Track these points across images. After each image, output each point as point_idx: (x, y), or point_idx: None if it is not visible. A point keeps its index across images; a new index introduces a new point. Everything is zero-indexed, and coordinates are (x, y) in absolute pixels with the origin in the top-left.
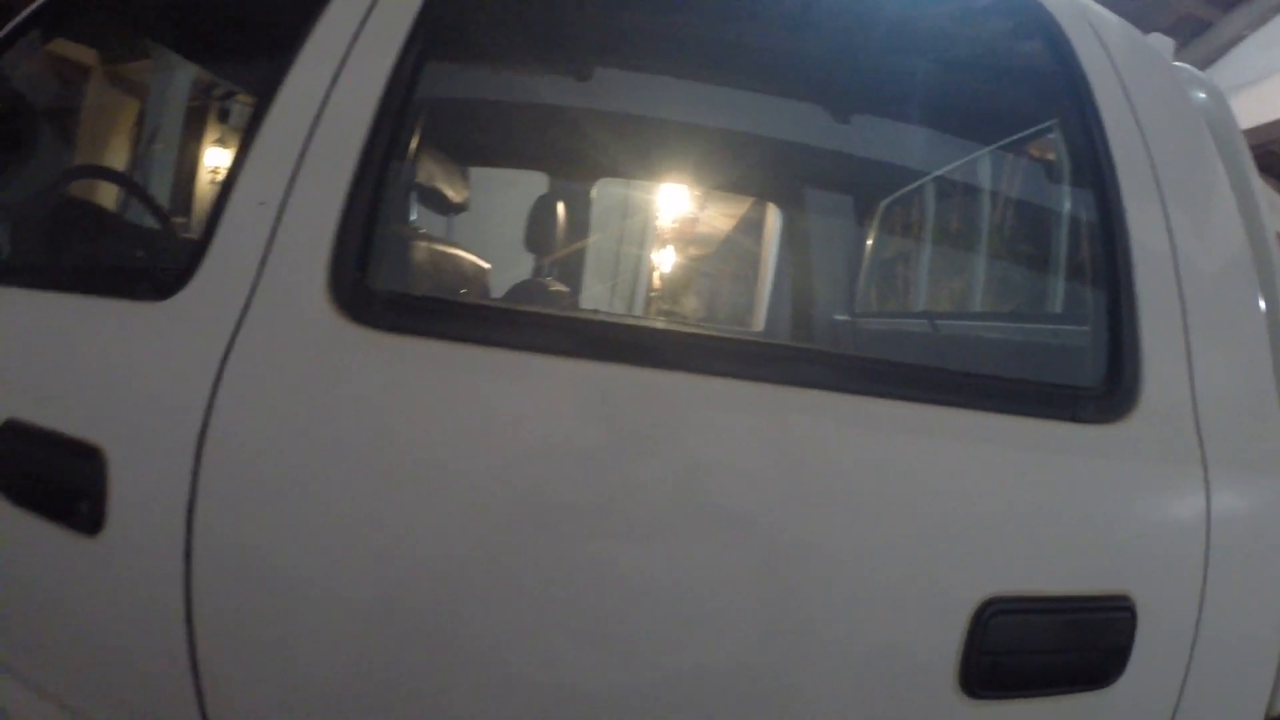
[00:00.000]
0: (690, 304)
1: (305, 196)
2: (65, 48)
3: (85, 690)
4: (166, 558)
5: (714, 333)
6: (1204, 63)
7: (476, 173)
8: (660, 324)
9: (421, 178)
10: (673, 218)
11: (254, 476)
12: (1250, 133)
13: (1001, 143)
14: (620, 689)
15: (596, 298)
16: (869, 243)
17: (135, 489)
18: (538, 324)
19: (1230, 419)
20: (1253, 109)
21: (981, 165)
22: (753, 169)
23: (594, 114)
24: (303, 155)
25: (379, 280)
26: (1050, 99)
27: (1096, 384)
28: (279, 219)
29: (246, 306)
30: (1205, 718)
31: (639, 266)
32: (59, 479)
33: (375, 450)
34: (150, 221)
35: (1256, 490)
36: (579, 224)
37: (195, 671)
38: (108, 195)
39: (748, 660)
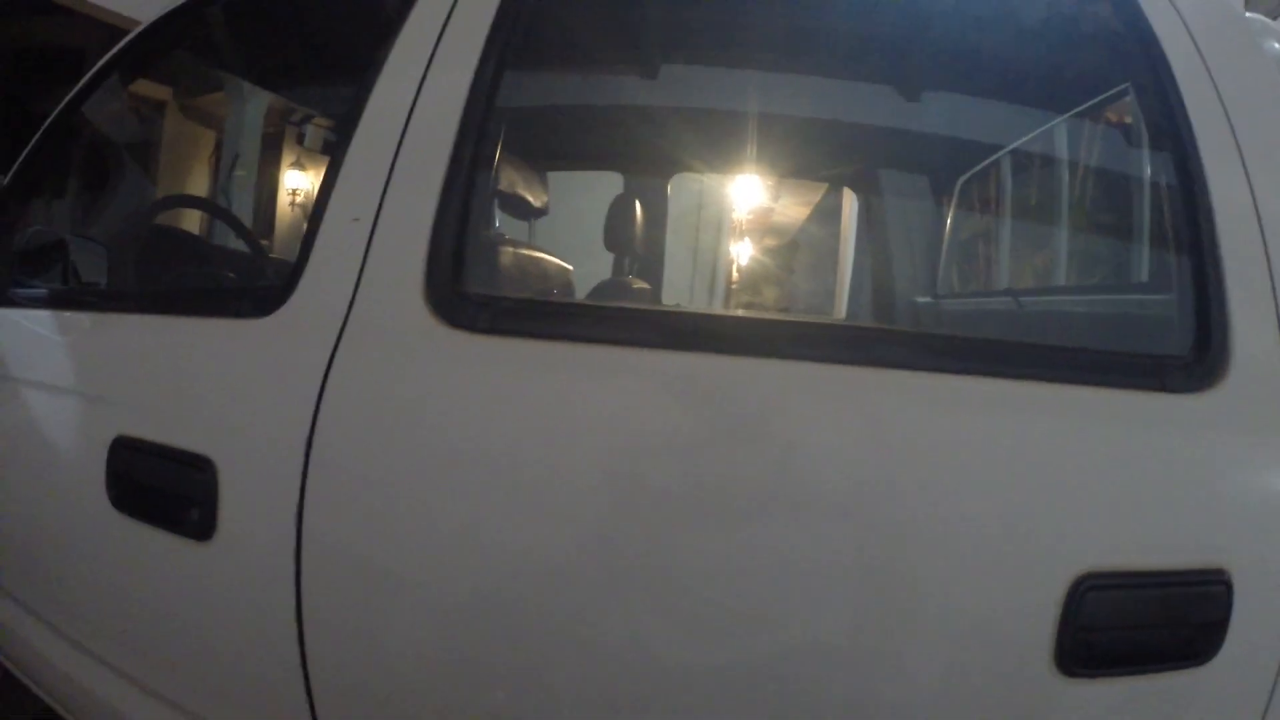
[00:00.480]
0: (770, 293)
1: (397, 209)
2: (143, 87)
3: (198, 691)
4: (277, 560)
5: (797, 318)
6: (1278, 10)
7: (554, 176)
8: (745, 313)
9: (504, 184)
10: (749, 209)
11: (360, 480)
12: None
13: (1075, 111)
14: (721, 671)
15: (678, 292)
16: (948, 222)
17: (245, 496)
18: (626, 318)
19: None
20: None
21: (1056, 135)
22: (825, 154)
23: (664, 110)
24: (392, 170)
25: (471, 285)
26: (1122, 62)
27: (1185, 352)
28: (373, 232)
29: (347, 317)
30: None
31: (717, 259)
32: (171, 489)
33: (477, 448)
34: (240, 244)
35: None
36: (656, 221)
37: (305, 670)
38: (199, 222)
39: (845, 640)
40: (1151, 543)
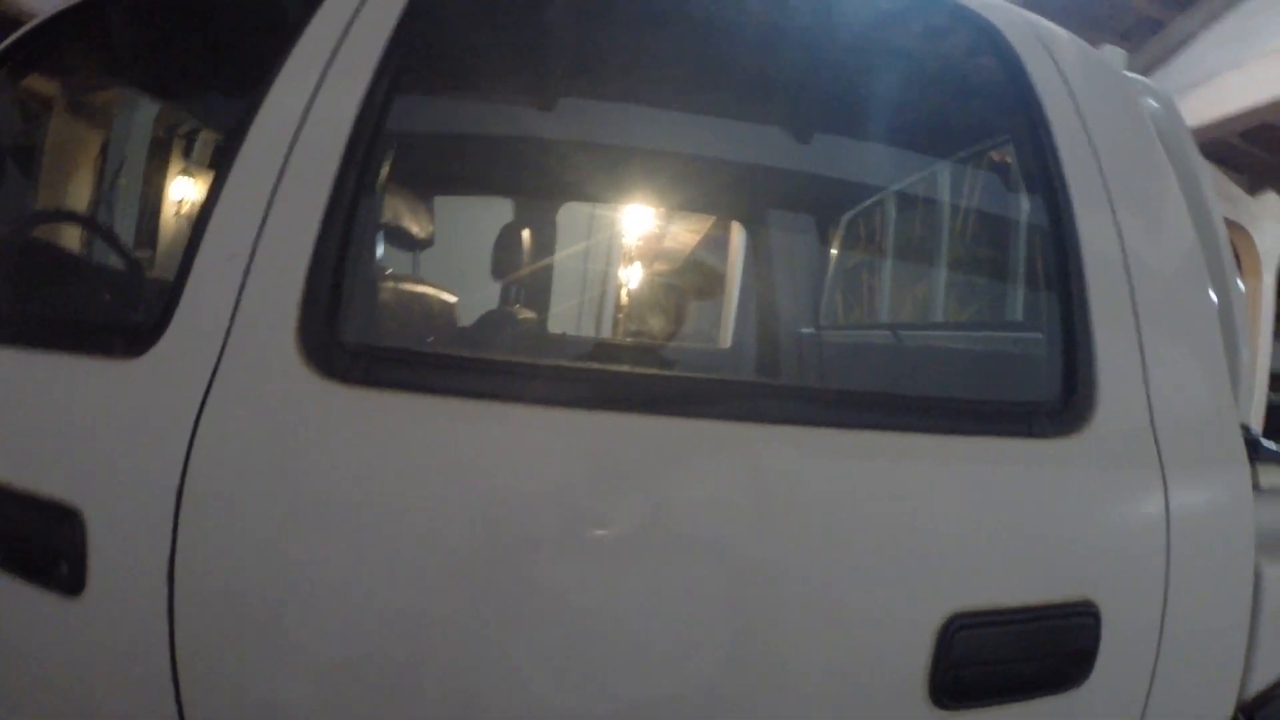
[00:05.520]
0: (657, 323)
1: (273, 248)
2: (32, 82)
3: None
4: (150, 616)
5: (678, 374)
6: (1158, 62)
7: (441, 203)
8: (629, 368)
9: (389, 218)
10: (638, 238)
11: (233, 534)
12: (1206, 128)
13: (956, 158)
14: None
15: (565, 321)
16: (832, 257)
17: (115, 549)
18: (505, 372)
19: (1186, 422)
20: (1207, 105)
21: (938, 180)
22: (716, 191)
23: (558, 142)
24: (270, 205)
25: (347, 327)
26: (1003, 115)
27: (1052, 399)
28: (248, 272)
29: (218, 363)
30: (1176, 711)
31: (605, 289)
32: (37, 541)
33: (349, 505)
34: (119, 264)
35: (1215, 488)
36: (545, 250)
37: None
38: (76, 240)
39: (720, 687)
40: (1021, 581)
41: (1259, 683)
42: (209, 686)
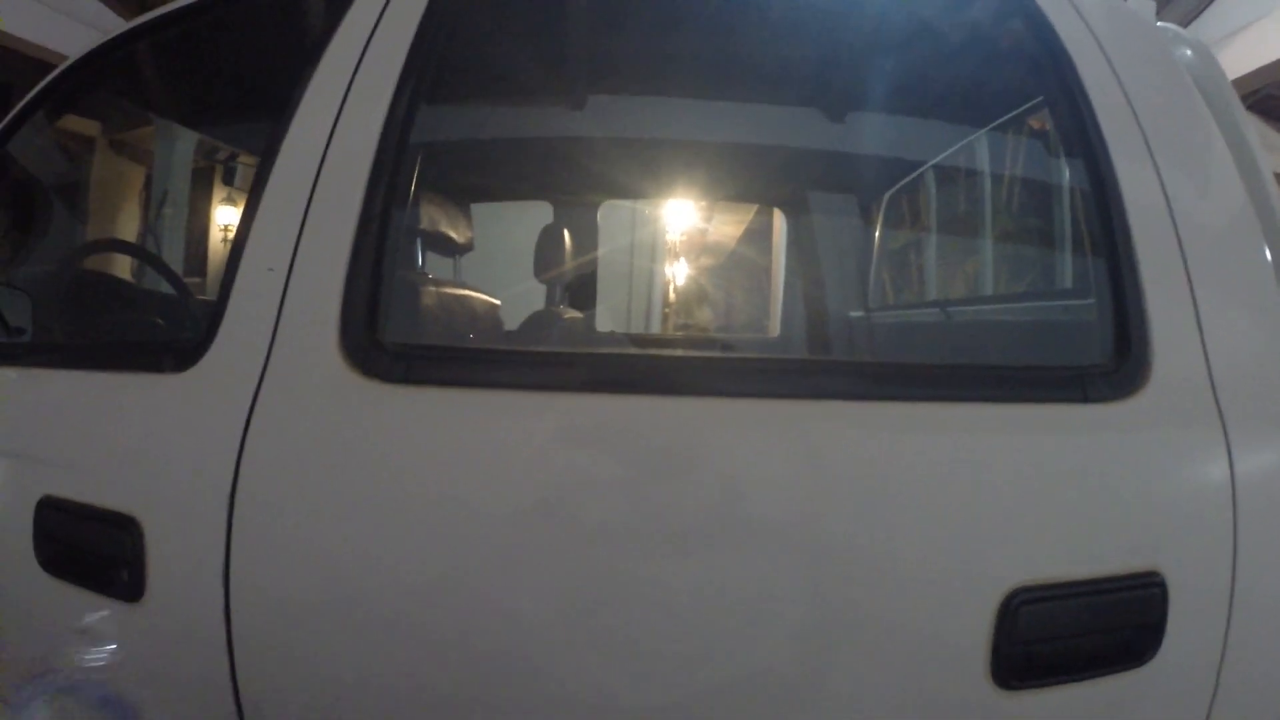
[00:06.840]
0: (705, 314)
1: (311, 258)
2: (71, 121)
3: None
4: (208, 618)
5: (722, 355)
6: (1193, 13)
7: (480, 209)
8: (668, 351)
9: (425, 224)
10: (680, 231)
11: (285, 535)
12: (1243, 79)
13: (993, 125)
14: (664, 704)
15: (613, 318)
16: (876, 236)
17: (173, 555)
18: (544, 363)
19: (1247, 377)
20: (1243, 55)
21: (975, 149)
22: (754, 178)
23: (592, 140)
24: (305, 217)
25: (391, 331)
26: (1034, 77)
27: (1105, 361)
28: (288, 282)
29: (263, 371)
30: (1250, 685)
31: (651, 283)
32: (98, 550)
33: (398, 500)
34: (167, 288)
35: None
36: (587, 248)
37: None
38: (124, 267)
39: (780, 664)
40: (1083, 552)
41: None
42: (266, 686)
